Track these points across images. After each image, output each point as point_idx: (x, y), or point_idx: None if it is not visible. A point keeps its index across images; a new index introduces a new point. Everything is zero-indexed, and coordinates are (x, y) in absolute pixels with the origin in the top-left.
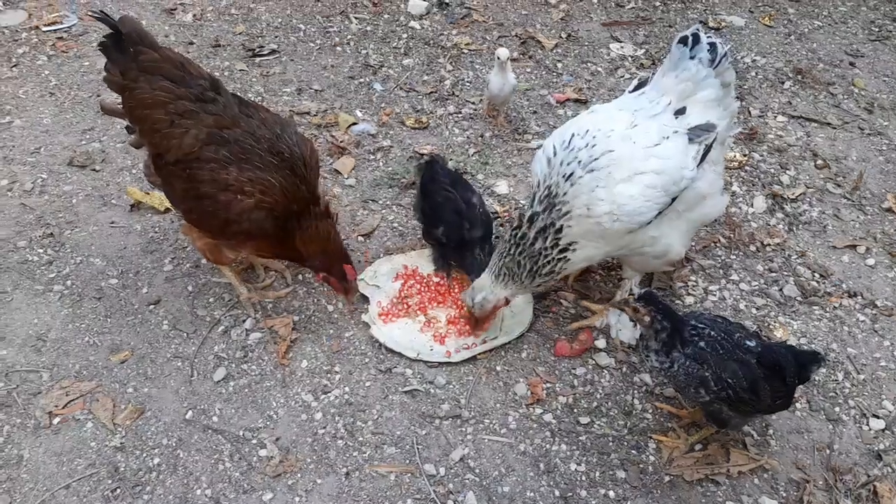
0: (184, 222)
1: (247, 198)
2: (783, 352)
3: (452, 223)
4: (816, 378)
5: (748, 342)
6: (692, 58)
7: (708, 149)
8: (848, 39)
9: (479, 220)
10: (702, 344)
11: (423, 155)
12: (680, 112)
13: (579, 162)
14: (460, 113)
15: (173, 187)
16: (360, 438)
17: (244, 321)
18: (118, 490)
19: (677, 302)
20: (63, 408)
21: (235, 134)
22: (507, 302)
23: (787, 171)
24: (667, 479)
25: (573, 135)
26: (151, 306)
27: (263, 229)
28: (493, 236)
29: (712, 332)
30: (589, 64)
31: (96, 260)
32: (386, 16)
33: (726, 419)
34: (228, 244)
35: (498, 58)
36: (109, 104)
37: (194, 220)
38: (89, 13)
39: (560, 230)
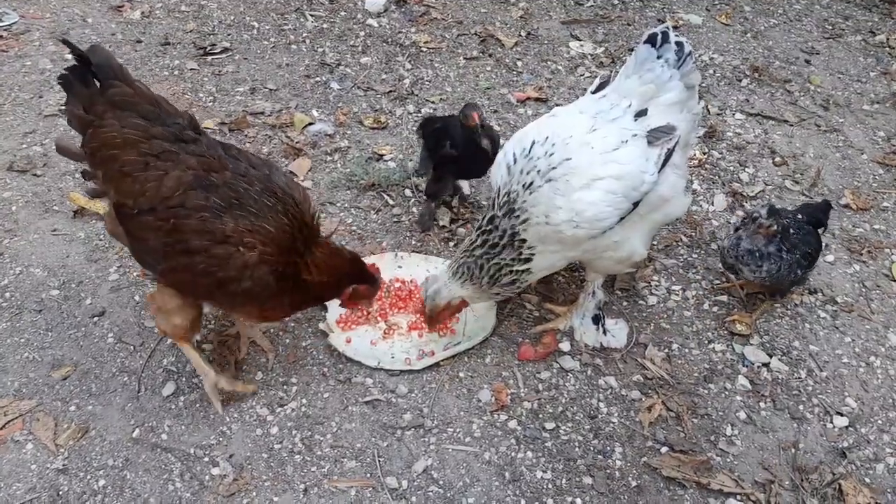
0: (155, 290)
1: (248, 250)
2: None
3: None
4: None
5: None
6: (659, 57)
7: (670, 153)
8: (803, 37)
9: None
10: None
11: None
12: (641, 114)
13: (538, 171)
14: (420, 112)
15: (146, 242)
16: (319, 452)
17: None
18: None
19: (640, 303)
20: (1, 429)
21: (225, 177)
22: (464, 304)
23: (746, 169)
24: (634, 483)
25: (534, 142)
26: (96, 318)
27: (268, 286)
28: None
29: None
30: (549, 62)
31: (37, 270)
32: (343, 13)
33: None
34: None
35: None
36: (65, 143)
37: (177, 283)
38: (59, 38)
39: (523, 240)
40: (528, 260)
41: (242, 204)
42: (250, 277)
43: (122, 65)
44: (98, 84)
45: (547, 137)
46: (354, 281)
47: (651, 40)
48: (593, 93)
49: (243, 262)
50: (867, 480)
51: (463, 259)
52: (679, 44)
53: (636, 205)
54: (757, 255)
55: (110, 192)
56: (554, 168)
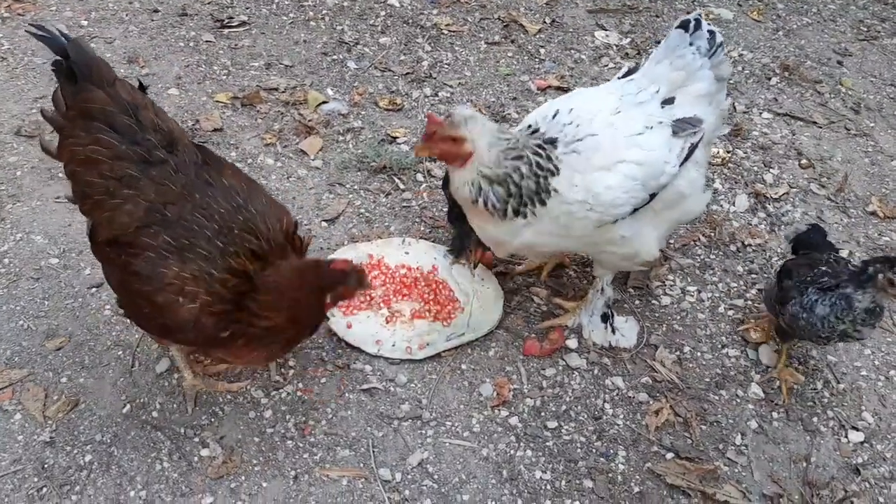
0: None
1: (189, 301)
2: None
3: None
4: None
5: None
6: (690, 44)
7: (693, 147)
8: (836, 38)
9: None
10: None
11: None
12: (668, 102)
13: (564, 136)
14: (437, 96)
15: (109, 274)
16: (312, 439)
17: None
18: (44, 489)
19: (653, 302)
20: None
21: (182, 211)
22: (466, 160)
23: (771, 170)
24: (636, 489)
25: (558, 111)
26: (93, 289)
27: (218, 340)
28: None
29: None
30: (573, 51)
31: (37, 237)
32: None
33: None
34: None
35: None
36: (47, 145)
37: (132, 318)
38: (31, 26)
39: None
40: (553, 174)
41: (192, 245)
42: (192, 329)
43: (103, 62)
44: (77, 82)
45: (571, 109)
46: (322, 294)
47: (684, 26)
48: (620, 79)
49: (182, 315)
50: (881, 500)
51: (517, 136)
52: (711, 32)
53: (652, 197)
54: (877, 310)
55: (80, 210)
56: (579, 140)
